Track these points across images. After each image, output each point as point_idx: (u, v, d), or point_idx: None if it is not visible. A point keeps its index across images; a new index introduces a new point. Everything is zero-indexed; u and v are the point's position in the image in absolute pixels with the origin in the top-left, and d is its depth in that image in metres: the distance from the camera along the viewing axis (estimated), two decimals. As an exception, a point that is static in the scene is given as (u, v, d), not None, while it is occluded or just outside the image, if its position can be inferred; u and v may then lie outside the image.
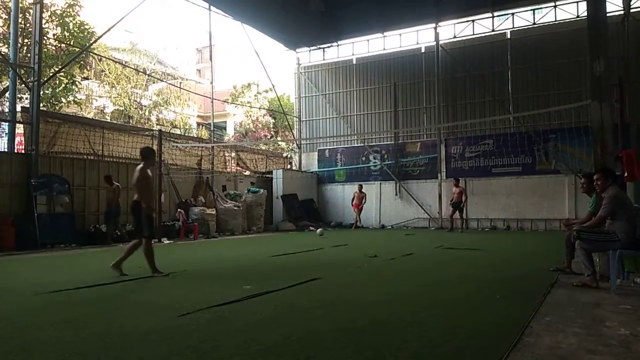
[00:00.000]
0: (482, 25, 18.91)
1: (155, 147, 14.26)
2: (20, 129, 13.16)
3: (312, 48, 22.10)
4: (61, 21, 17.18)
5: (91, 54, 18.99)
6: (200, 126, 29.83)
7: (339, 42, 21.56)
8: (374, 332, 3.64)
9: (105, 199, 12.78)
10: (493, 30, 18.66)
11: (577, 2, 17.16)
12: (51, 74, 15.35)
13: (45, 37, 14.61)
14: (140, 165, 6.69)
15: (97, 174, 13.27)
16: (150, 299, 4.94)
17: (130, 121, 23.63)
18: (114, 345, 3.36)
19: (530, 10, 18.22)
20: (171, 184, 15.26)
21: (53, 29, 17.25)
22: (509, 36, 18.41)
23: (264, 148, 22.87)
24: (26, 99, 14.47)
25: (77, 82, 19.08)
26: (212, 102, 18.44)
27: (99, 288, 5.62)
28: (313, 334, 3.58)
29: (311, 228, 18.18)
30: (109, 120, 21.53)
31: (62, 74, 16.69)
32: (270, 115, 31.42)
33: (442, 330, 3.65)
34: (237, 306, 4.57)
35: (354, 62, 21.33)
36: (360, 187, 18.86)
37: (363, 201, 18.70)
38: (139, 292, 4.56)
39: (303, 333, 3.61)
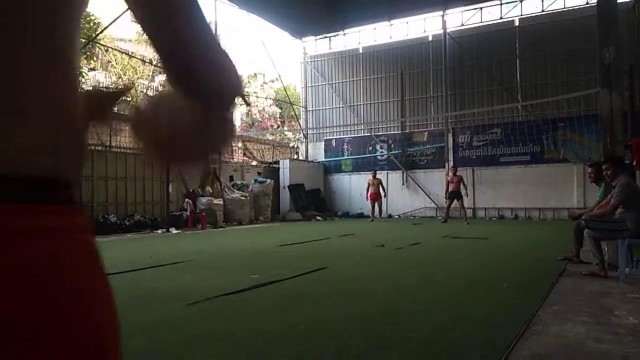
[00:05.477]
0: (490, 12, 18.70)
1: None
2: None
3: (318, 37, 21.96)
4: (67, 12, 17.20)
5: (97, 44, 19.02)
6: (207, 116, 29.82)
7: (346, 31, 21.40)
8: (381, 320, 3.65)
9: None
10: (501, 18, 18.45)
11: (587, -12, 16.93)
12: (58, 65, 15.38)
13: (51, 28, 14.61)
14: None
15: (104, 165, 13.37)
16: (159, 288, 4.98)
17: (137, 112, 23.67)
18: (123, 333, 3.38)
19: (539, -4, 18.01)
20: (179, 174, 15.31)
21: (59, 20, 17.27)
22: (517, 24, 18.19)
23: (270, 138, 22.88)
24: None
25: (83, 73, 19.14)
26: (218, 92, 18.41)
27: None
28: (320, 323, 3.59)
29: (318, 218, 18.23)
30: (115, 111, 21.56)
31: (68, 65, 16.73)
32: (276, 105, 31.37)
33: (450, 318, 3.66)
34: (244, 295, 4.60)
35: (361, 51, 21.19)
36: (374, 173, 17.47)
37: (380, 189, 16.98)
38: (147, 282, 4.60)
39: (310, 322, 3.63)
